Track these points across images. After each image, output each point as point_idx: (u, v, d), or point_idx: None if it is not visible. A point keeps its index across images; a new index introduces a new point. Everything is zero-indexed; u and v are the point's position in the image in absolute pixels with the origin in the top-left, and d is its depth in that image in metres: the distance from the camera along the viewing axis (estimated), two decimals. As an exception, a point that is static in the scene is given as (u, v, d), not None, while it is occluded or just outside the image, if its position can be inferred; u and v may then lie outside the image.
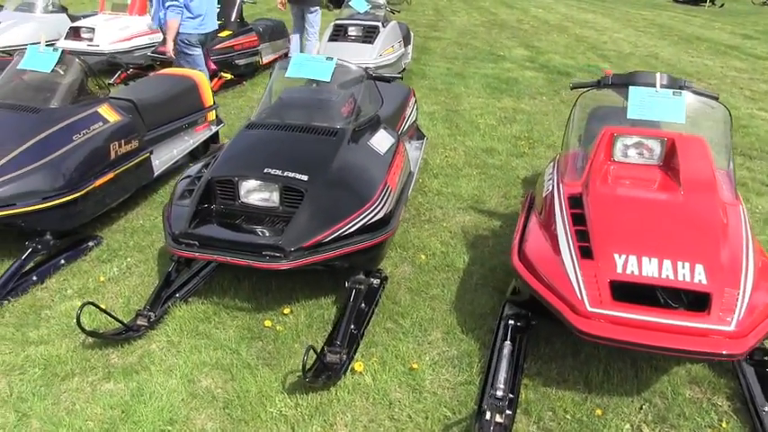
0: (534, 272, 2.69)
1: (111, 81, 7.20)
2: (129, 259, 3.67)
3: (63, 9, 8.90)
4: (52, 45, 4.06)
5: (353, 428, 2.50)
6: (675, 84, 3.29)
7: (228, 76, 7.42)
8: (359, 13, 7.73)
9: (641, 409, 2.65)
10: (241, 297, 3.27)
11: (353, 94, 3.62)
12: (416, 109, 5.05)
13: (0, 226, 3.42)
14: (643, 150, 3.13)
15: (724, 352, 2.35)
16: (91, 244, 3.80)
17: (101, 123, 3.87)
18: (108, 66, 7.44)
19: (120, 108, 4.10)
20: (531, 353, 2.91)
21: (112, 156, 3.87)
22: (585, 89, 3.56)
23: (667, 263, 2.49)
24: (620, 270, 2.49)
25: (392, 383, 2.72)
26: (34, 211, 3.34)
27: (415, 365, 2.81)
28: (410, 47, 8.62)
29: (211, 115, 5.22)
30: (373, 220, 3.00)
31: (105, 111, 3.97)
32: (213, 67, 6.88)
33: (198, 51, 5.88)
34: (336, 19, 7.80)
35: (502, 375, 2.52)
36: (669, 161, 3.09)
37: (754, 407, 2.62)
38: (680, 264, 2.48)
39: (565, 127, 3.69)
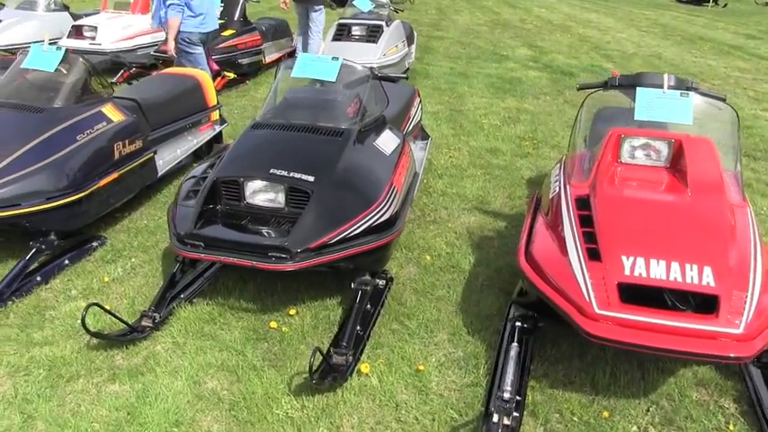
0: (541, 273, 2.68)
1: (114, 80, 7.19)
2: (133, 260, 3.66)
3: (65, 7, 8.90)
4: (54, 44, 4.05)
5: (360, 430, 2.49)
6: (683, 85, 3.28)
7: (231, 75, 7.40)
8: (362, 12, 7.72)
9: (648, 411, 2.64)
10: (246, 298, 3.26)
11: (359, 94, 3.61)
12: (421, 109, 5.03)
13: (4, 226, 3.41)
14: (650, 152, 3.12)
15: (732, 355, 2.33)
16: (95, 244, 3.79)
17: (105, 123, 3.86)
18: (111, 65, 7.42)
19: (124, 108, 4.09)
20: (538, 354, 2.90)
21: (116, 156, 3.86)
22: (592, 90, 3.54)
23: (675, 265, 2.48)
24: (627, 272, 2.48)
25: (398, 385, 2.71)
26: (38, 212, 3.33)
27: (421, 367, 2.80)
28: (413, 46, 8.61)
29: (215, 115, 5.21)
30: (379, 222, 2.98)
31: (109, 110, 3.96)
32: (216, 67, 6.87)
33: (199, 50, 5.88)
34: (340, 18, 7.78)
35: (509, 377, 2.52)
36: (676, 163, 3.07)
37: (762, 409, 2.61)
38: (688, 266, 2.47)
39: (571, 128, 3.68)
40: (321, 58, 3.60)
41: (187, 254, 2.90)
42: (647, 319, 2.39)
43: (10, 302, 3.19)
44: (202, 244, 2.86)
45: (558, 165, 3.43)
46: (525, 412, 2.58)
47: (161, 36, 7.08)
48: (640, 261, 2.50)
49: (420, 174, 4.29)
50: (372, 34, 7.33)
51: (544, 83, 8.52)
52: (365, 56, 6.73)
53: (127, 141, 3.95)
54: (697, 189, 2.86)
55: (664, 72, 3.39)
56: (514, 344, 2.71)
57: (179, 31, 5.61)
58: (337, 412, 2.55)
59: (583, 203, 2.86)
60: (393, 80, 3.95)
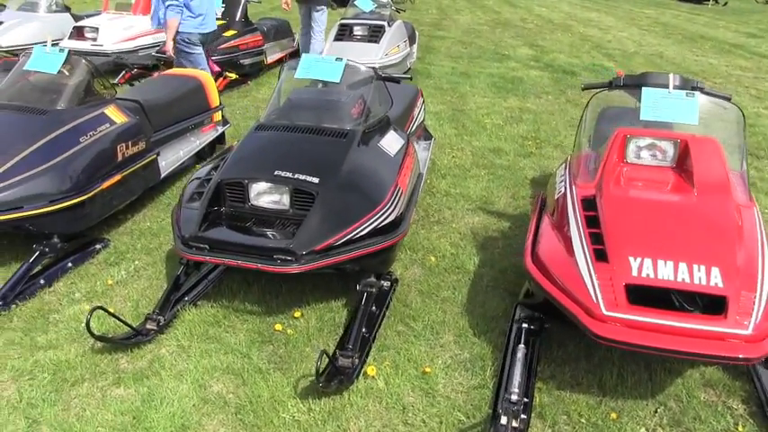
0: (548, 275, 2.67)
1: (116, 81, 7.18)
2: (136, 262, 3.65)
3: (66, 8, 8.89)
4: (56, 45, 4.04)
5: (367, 434, 2.48)
6: (688, 84, 3.27)
7: (233, 75, 7.39)
8: (364, 12, 7.70)
9: (656, 412, 2.63)
10: (251, 300, 3.24)
11: (363, 95, 3.60)
12: (424, 109, 5.02)
13: (8, 229, 3.40)
14: (656, 152, 3.10)
15: (740, 356, 2.32)
16: (98, 247, 3.78)
17: (108, 125, 3.85)
18: (114, 66, 7.41)
19: (127, 109, 4.08)
20: (544, 356, 2.88)
21: (119, 157, 3.84)
22: (597, 90, 3.52)
23: (683, 266, 2.46)
24: (635, 273, 2.47)
25: (405, 387, 2.70)
26: (42, 214, 3.32)
27: (427, 369, 2.79)
28: (415, 46, 8.59)
29: (217, 116, 5.21)
30: (385, 223, 2.97)
31: (112, 112, 3.95)
32: (216, 68, 6.86)
33: (199, 50, 5.88)
34: (342, 18, 7.77)
35: (516, 379, 2.51)
36: (682, 163, 3.06)
37: (771, 410, 2.60)
38: (695, 267, 2.46)
39: (577, 128, 3.66)
40: (325, 58, 3.58)
41: (192, 257, 2.89)
42: (655, 320, 2.37)
43: (14, 306, 3.18)
44: (207, 247, 2.84)
45: (563, 165, 3.42)
46: (533, 414, 2.57)
47: (163, 37, 7.05)
48: (648, 262, 2.49)
49: (424, 174, 4.28)
50: (374, 34, 7.31)
51: (546, 82, 8.50)
52: (367, 56, 6.71)
53: (130, 143, 3.94)
54: (703, 189, 2.84)
55: (667, 71, 3.38)
56: (521, 345, 2.70)
57: (178, 32, 5.61)
58: (344, 415, 2.54)
59: (589, 204, 2.85)
60: (397, 81, 3.94)
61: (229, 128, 5.53)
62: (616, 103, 3.55)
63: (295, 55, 9.19)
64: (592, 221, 2.74)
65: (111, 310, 2.87)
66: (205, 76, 5.18)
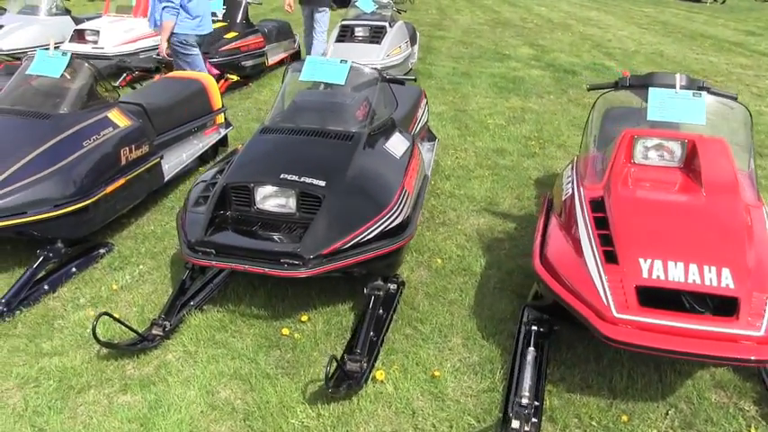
0: (557, 277, 2.65)
1: (117, 84, 7.16)
2: (141, 266, 3.63)
3: (66, 11, 8.87)
4: (58, 47, 4.02)
5: (377, 439, 2.46)
6: (694, 84, 3.26)
7: (234, 77, 7.38)
8: (365, 13, 7.68)
9: (667, 414, 2.61)
10: (257, 304, 3.22)
11: (368, 97, 3.57)
12: (428, 110, 5.00)
13: (12, 234, 3.38)
14: (663, 152, 3.09)
15: (753, 357, 2.31)
16: (102, 251, 3.75)
17: (111, 128, 3.83)
18: (116, 69, 7.40)
19: (130, 112, 4.06)
20: (553, 358, 2.86)
21: (123, 161, 3.83)
22: (604, 90, 3.51)
23: (693, 267, 2.45)
24: (645, 275, 2.45)
25: (414, 392, 2.68)
26: (46, 219, 3.30)
27: (436, 373, 2.77)
28: (416, 47, 8.57)
29: (220, 118, 5.19)
30: (392, 226, 2.95)
31: (115, 115, 3.93)
32: (214, 71, 6.84)
33: (196, 51, 5.88)
34: (343, 19, 7.75)
35: (526, 382, 2.50)
36: (690, 163, 3.04)
37: (783, 412, 2.58)
38: (706, 268, 2.44)
39: (583, 129, 3.64)
40: (330, 61, 3.56)
41: (198, 261, 2.87)
42: (666, 322, 2.36)
43: (18, 312, 3.16)
44: (213, 251, 2.82)
45: (570, 166, 3.40)
46: (543, 418, 2.55)
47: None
48: (658, 263, 2.47)
49: (429, 176, 4.26)
50: (376, 35, 7.29)
51: (547, 82, 8.49)
52: (368, 57, 6.69)
53: (133, 146, 3.92)
54: (712, 189, 2.83)
55: (670, 71, 3.37)
56: (531, 348, 2.69)
57: (175, 34, 5.61)
58: (353, 420, 2.52)
59: (597, 205, 2.83)
60: (401, 82, 3.91)
61: (232, 130, 5.51)
62: (622, 104, 3.53)
63: (296, 56, 9.19)
64: (600, 223, 2.72)
65: (117, 316, 2.85)
66: (207, 78, 5.16)
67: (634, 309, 2.38)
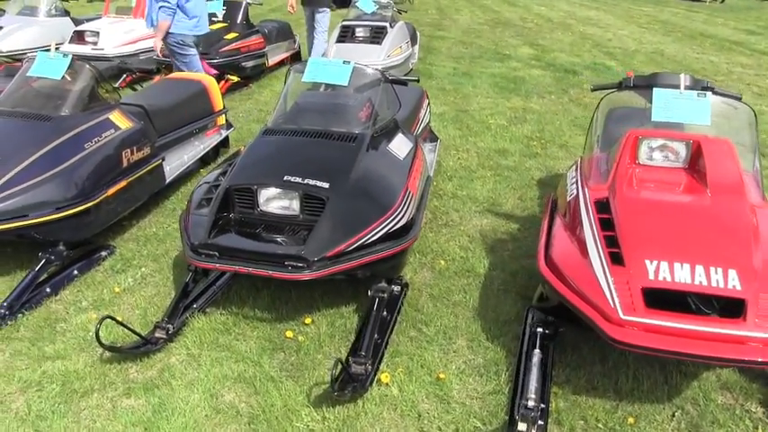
0: (563, 279, 2.63)
1: (116, 85, 7.14)
2: (143, 269, 3.61)
3: (66, 13, 8.85)
4: (59, 47, 4.00)
5: (382, 442, 2.45)
6: (698, 85, 3.24)
7: (235, 78, 7.36)
8: (366, 13, 7.67)
9: (673, 416, 2.60)
10: (260, 307, 3.21)
11: (371, 98, 3.56)
12: (430, 111, 4.99)
13: (13, 237, 3.36)
14: (668, 153, 3.08)
15: (760, 359, 2.29)
16: (104, 254, 3.74)
17: (112, 130, 3.82)
18: (117, 70, 7.38)
19: (131, 114, 4.04)
20: (559, 360, 2.85)
21: (125, 163, 3.81)
22: (607, 91, 3.49)
23: (699, 268, 2.43)
24: (651, 277, 2.43)
25: (419, 394, 2.66)
26: (47, 222, 3.28)
27: (441, 375, 2.75)
28: (416, 47, 8.56)
29: (221, 119, 5.17)
30: (396, 228, 2.93)
31: (117, 117, 3.92)
32: (213, 72, 6.82)
33: (193, 52, 5.89)
34: (344, 20, 7.74)
35: (532, 385, 2.49)
36: (695, 164, 3.03)
37: (790, 414, 2.57)
38: (712, 269, 2.43)
39: (587, 129, 3.63)
40: (332, 62, 3.54)
41: (202, 264, 2.85)
42: (673, 324, 2.34)
43: (20, 315, 3.14)
44: (217, 254, 2.81)
45: (574, 167, 3.39)
46: (550, 420, 2.53)
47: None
48: (664, 265, 2.46)
49: (431, 177, 4.24)
50: (376, 36, 7.29)
51: (548, 81, 8.48)
52: (369, 57, 6.68)
53: (135, 148, 3.90)
54: (717, 190, 2.82)
55: (673, 70, 3.37)
56: (536, 350, 2.67)
57: (172, 34, 5.61)
58: (359, 423, 2.50)
59: (602, 206, 2.82)
60: (404, 83, 3.90)
61: (233, 131, 5.49)
62: (626, 104, 3.52)
63: (297, 57, 9.17)
64: (606, 224, 2.71)
65: (119, 319, 2.83)
66: (208, 79, 5.15)
67: (641, 310, 2.37)
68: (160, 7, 5.44)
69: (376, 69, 3.73)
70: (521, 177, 5.00)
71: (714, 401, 2.67)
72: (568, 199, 3.09)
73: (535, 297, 3.12)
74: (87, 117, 3.74)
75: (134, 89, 5.82)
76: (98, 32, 7.61)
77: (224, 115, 5.21)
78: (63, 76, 3.81)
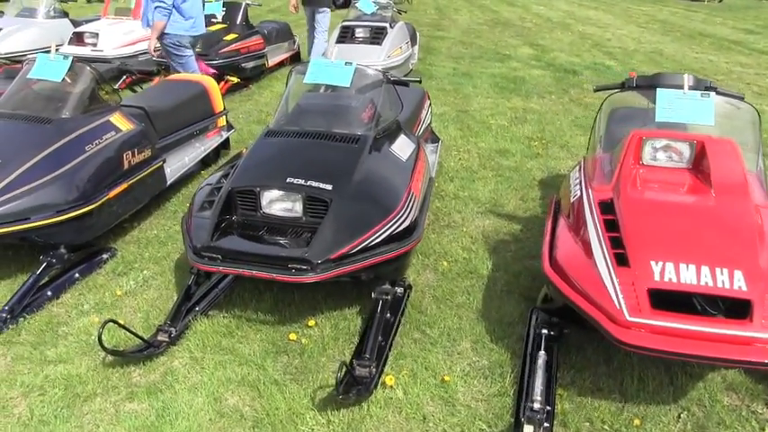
0: (568, 280, 2.62)
1: (116, 86, 7.12)
2: (145, 272, 3.60)
3: (65, 14, 8.82)
4: (59, 48, 3.99)
5: (388, 446, 2.43)
6: (701, 85, 3.24)
7: (235, 79, 7.35)
8: (366, 14, 7.66)
9: (679, 417, 2.59)
10: (263, 309, 3.19)
11: (373, 99, 3.54)
12: (431, 111, 4.98)
13: (14, 240, 3.34)
14: (672, 153, 3.06)
15: (766, 360, 2.28)
16: (105, 256, 3.72)
17: (113, 132, 3.80)
18: (118, 72, 7.37)
19: (132, 116, 4.02)
20: (563, 361, 2.84)
21: (126, 165, 3.79)
22: (611, 92, 3.48)
23: (705, 269, 2.42)
24: (657, 278, 2.42)
25: (424, 397, 2.65)
26: (49, 225, 3.26)
27: (446, 377, 2.74)
28: (416, 47, 8.55)
29: (222, 121, 5.16)
30: (400, 229, 2.92)
31: (117, 119, 3.90)
32: (210, 71, 6.81)
33: (190, 53, 5.87)
34: (344, 20, 7.73)
35: (538, 387, 2.48)
36: (698, 164, 3.02)
37: (797, 415, 2.56)
38: (718, 270, 2.42)
39: (587, 129, 3.62)
40: (335, 63, 3.53)
41: (205, 267, 2.83)
42: (679, 325, 2.33)
43: (21, 319, 3.12)
44: (220, 256, 2.79)
45: (578, 167, 3.38)
46: (555, 422, 2.52)
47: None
48: (670, 266, 2.44)
49: (433, 178, 4.23)
50: (376, 36, 7.27)
51: (548, 81, 8.47)
52: (369, 58, 6.67)
53: (136, 150, 3.89)
54: (721, 190, 2.81)
55: (673, 70, 3.36)
56: (542, 352, 2.66)
57: (168, 34, 5.61)
58: (364, 427, 2.49)
59: (607, 207, 2.81)
60: (406, 84, 3.89)
61: (233, 133, 5.48)
62: (629, 105, 3.51)
63: (296, 58, 9.16)
64: (610, 225, 2.70)
65: (122, 322, 2.82)
66: (209, 80, 5.13)
67: (647, 312, 2.36)
68: (156, 7, 5.44)
69: (378, 70, 3.71)
70: (522, 178, 4.99)
71: (720, 402, 2.66)
72: (572, 200, 3.08)
73: (539, 298, 3.10)
74: (88, 119, 3.72)
75: (134, 91, 5.80)
76: (97, 34, 7.59)
77: (224, 117, 5.19)
78: (63, 79, 3.80)
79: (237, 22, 7.82)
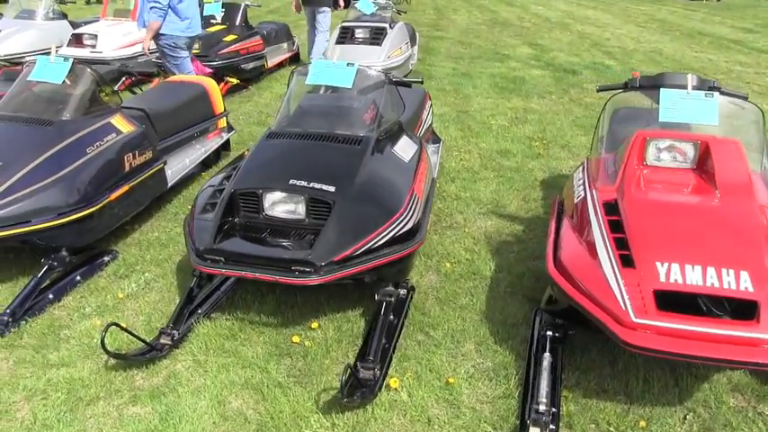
0: (573, 282, 2.61)
1: (115, 88, 7.09)
2: (146, 274, 3.58)
3: (63, 16, 8.80)
4: (59, 48, 3.97)
5: (393, 449, 2.42)
6: (705, 85, 3.22)
7: (234, 80, 7.33)
8: (365, 14, 7.64)
9: (685, 419, 2.57)
10: (266, 312, 3.18)
11: (375, 100, 3.53)
12: (432, 112, 4.96)
13: (15, 243, 3.32)
14: (676, 154, 3.05)
15: (773, 362, 2.27)
16: (106, 259, 3.71)
17: (114, 134, 3.78)
18: (118, 74, 7.36)
19: (133, 118, 4.01)
20: (568, 363, 2.83)
21: (127, 168, 3.78)
22: (614, 92, 3.47)
23: (711, 270, 2.41)
24: (663, 279, 2.41)
25: (429, 399, 2.64)
26: (50, 228, 3.25)
27: (451, 379, 2.73)
28: (416, 47, 8.54)
29: (222, 122, 5.14)
30: (403, 231, 2.91)
31: (118, 121, 3.88)
32: (207, 71, 6.80)
33: (185, 54, 5.88)
34: (343, 21, 7.72)
35: (543, 389, 2.48)
36: (703, 164, 3.01)
37: (803, 416, 2.55)
38: (724, 271, 2.40)
39: (588, 129, 3.61)
40: (336, 64, 3.51)
41: (208, 270, 2.82)
42: (686, 326, 2.32)
43: (23, 322, 3.11)
44: (223, 259, 2.78)
45: (581, 168, 3.36)
46: (561, 424, 2.51)
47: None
48: (675, 267, 2.43)
49: (435, 179, 4.22)
50: (376, 36, 7.27)
51: (548, 81, 8.47)
52: (369, 58, 6.67)
53: (137, 152, 3.87)
54: (726, 191, 2.80)
55: (672, 69, 3.35)
56: (547, 354, 2.65)
57: (165, 35, 5.60)
58: (368, 429, 2.48)
59: (611, 208, 2.80)
60: (408, 84, 3.87)
61: (234, 134, 5.46)
62: (633, 105, 3.50)
63: (296, 58, 9.15)
64: (615, 226, 2.69)
65: (124, 325, 2.80)
66: (209, 82, 5.12)
67: (653, 313, 2.34)
68: (151, 8, 5.43)
69: (380, 71, 3.70)
70: (524, 178, 4.98)
71: (726, 404, 2.64)
72: (576, 201, 3.07)
73: (544, 300, 3.09)
74: (89, 121, 3.71)
75: (133, 92, 5.76)
76: (96, 35, 7.58)
77: (225, 118, 5.18)
78: (64, 81, 3.78)
79: (237, 23, 7.81)
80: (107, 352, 2.65)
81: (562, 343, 2.82)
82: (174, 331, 2.92)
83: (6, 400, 2.63)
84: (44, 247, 3.40)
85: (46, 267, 3.34)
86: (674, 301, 2.39)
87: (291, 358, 2.87)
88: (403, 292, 3.21)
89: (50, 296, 3.32)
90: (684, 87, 3.16)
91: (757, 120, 3.22)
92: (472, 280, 3.52)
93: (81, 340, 3.01)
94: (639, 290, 2.40)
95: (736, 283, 2.37)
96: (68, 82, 3.81)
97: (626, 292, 2.41)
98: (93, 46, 7.52)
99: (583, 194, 3.03)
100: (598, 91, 3.60)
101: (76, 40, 7.62)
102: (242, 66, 7.54)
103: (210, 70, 6.87)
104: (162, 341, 2.90)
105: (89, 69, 3.91)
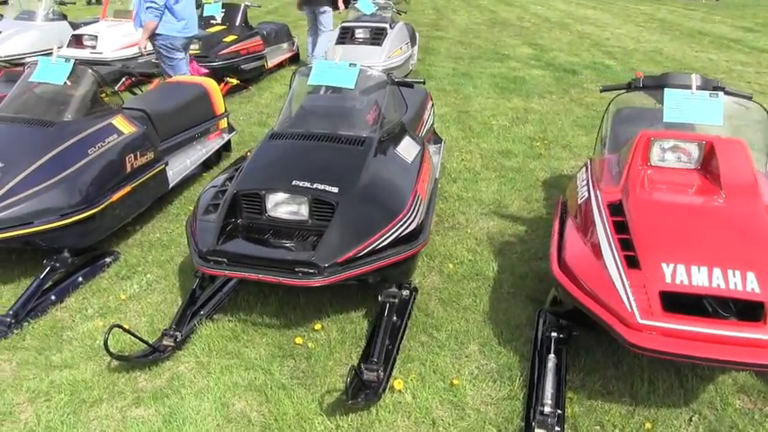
0: (578, 283, 2.60)
1: (116, 88, 7.07)
2: (148, 275, 3.57)
3: (63, 17, 8.78)
4: (60, 48, 3.96)
5: (398, 451, 2.41)
6: (709, 85, 3.21)
7: (234, 81, 7.32)
8: (365, 15, 7.63)
9: (691, 420, 2.57)
10: (269, 313, 3.17)
11: (378, 100, 3.52)
12: (433, 112, 4.95)
13: (18, 244, 3.32)
14: (680, 154, 3.04)
15: (779, 363, 2.26)
16: (108, 260, 3.70)
17: (115, 135, 3.77)
18: (119, 74, 7.34)
19: (134, 119, 4.00)
20: (572, 364, 2.82)
21: (128, 169, 3.77)
22: (617, 92, 3.46)
23: (717, 271, 2.40)
24: (669, 280, 2.40)
25: (433, 401, 2.63)
26: (52, 229, 3.24)
27: (455, 381, 2.72)
28: (416, 48, 8.53)
29: (223, 123, 5.13)
30: (406, 232, 2.90)
31: (119, 122, 3.87)
32: (203, 71, 6.79)
33: (181, 55, 5.87)
34: (343, 21, 7.71)
35: (548, 390, 2.47)
36: (707, 165, 3.00)
37: (809, 417, 2.54)
38: (730, 272, 2.39)
39: (590, 129, 3.60)
40: (339, 64, 3.50)
41: (211, 271, 2.80)
42: (692, 328, 2.30)
43: (26, 324, 3.10)
44: (225, 260, 2.76)
45: (584, 168, 3.36)
46: (566, 425, 2.50)
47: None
48: (681, 268, 2.42)
49: (437, 179, 4.21)
50: (376, 37, 7.26)
51: (548, 81, 8.46)
52: (369, 59, 6.65)
53: (138, 153, 3.86)
54: (731, 191, 2.79)
55: (673, 69, 3.35)
56: (551, 355, 2.64)
57: (161, 35, 5.59)
58: (372, 431, 2.46)
59: (615, 209, 2.78)
60: (410, 85, 3.86)
61: (235, 135, 5.45)
62: (636, 105, 3.49)
63: (295, 59, 9.13)
64: (620, 227, 2.67)
65: (126, 327, 2.79)
66: (210, 82, 5.10)
67: (659, 315, 2.33)
68: (147, 8, 5.42)
69: (382, 72, 3.69)
70: (525, 179, 4.97)
71: (732, 405, 2.63)
72: (579, 201, 3.06)
73: (548, 301, 3.08)
74: (90, 122, 3.70)
75: (133, 93, 5.75)
76: (96, 36, 7.56)
77: (226, 119, 5.17)
78: (65, 81, 3.77)
79: (237, 24, 7.80)
80: (110, 354, 2.64)
81: (566, 344, 2.80)
82: (177, 333, 2.91)
83: (10, 402, 2.62)
84: (46, 249, 3.39)
85: (48, 269, 3.33)
86: (680, 303, 2.38)
87: (295, 360, 2.86)
88: (406, 293, 3.20)
89: (53, 297, 3.30)
90: (689, 87, 3.15)
91: (762, 119, 3.21)
92: (475, 281, 3.51)
93: (84, 342, 3.00)
94: (645, 291, 2.39)
95: (743, 283, 2.36)
96: (70, 83, 3.79)
97: (631, 293, 2.40)
98: (94, 47, 7.51)
99: (587, 195, 3.02)
100: (601, 91, 3.59)
101: (77, 41, 7.60)
102: (242, 66, 7.52)
103: (206, 71, 6.85)
104: (164, 343, 2.89)
105: (90, 70, 3.90)
